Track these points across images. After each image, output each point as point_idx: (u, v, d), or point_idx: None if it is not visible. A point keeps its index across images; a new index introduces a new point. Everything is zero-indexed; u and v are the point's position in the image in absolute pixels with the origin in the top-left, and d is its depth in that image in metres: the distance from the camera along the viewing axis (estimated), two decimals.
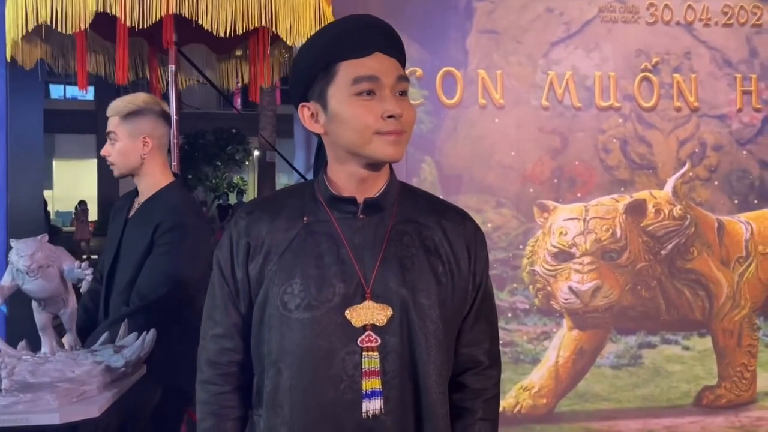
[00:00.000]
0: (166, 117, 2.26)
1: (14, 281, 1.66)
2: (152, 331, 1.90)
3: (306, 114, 1.27)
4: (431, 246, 1.28)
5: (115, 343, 1.94)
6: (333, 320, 1.20)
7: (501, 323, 1.37)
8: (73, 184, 21.52)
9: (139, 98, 2.21)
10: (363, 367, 1.19)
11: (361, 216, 1.26)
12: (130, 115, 2.17)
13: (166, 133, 2.26)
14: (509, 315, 3.21)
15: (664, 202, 3.35)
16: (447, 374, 1.29)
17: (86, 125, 19.43)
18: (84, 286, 1.74)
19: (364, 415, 1.19)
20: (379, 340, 1.20)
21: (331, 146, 1.27)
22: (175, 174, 2.44)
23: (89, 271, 1.68)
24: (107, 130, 2.20)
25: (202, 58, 3.30)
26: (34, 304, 1.74)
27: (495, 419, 1.37)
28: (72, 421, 1.52)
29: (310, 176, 3.51)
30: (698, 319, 3.38)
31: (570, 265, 3.24)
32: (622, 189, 3.33)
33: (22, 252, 1.62)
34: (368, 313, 1.21)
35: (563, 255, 3.24)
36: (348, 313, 1.20)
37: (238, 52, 3.31)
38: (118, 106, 2.19)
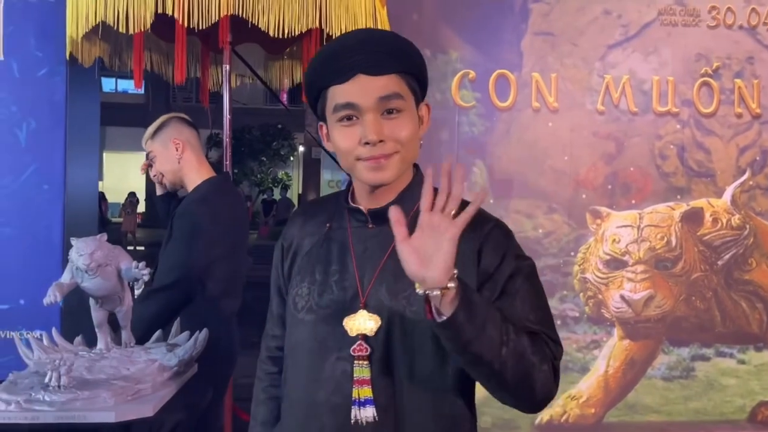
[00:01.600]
0: (187, 122, 2.55)
1: (74, 279, 1.70)
2: (205, 331, 1.91)
3: (323, 133, 1.30)
4: None
5: (167, 341, 1.96)
6: (329, 325, 1.25)
7: None
8: (123, 176, 22.02)
9: (158, 120, 2.55)
10: (354, 375, 1.21)
11: (370, 226, 1.28)
12: (156, 131, 2.50)
13: (192, 134, 2.53)
14: (558, 322, 3.14)
15: (721, 211, 3.25)
16: (438, 386, 1.23)
17: (137, 118, 19.78)
18: (139, 285, 1.77)
19: (352, 421, 1.20)
20: (369, 350, 1.22)
21: None
22: (219, 170, 2.55)
23: (146, 271, 1.71)
24: (146, 154, 2.52)
25: (253, 56, 3.32)
26: (91, 301, 1.77)
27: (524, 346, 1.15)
28: (126, 420, 1.53)
29: None
30: (755, 332, 3.28)
31: (622, 274, 3.16)
32: (679, 197, 3.24)
33: (82, 251, 1.66)
34: (361, 322, 1.23)
35: (616, 263, 3.17)
36: (344, 321, 1.23)
37: (288, 50, 3.31)
38: (146, 134, 2.53)
